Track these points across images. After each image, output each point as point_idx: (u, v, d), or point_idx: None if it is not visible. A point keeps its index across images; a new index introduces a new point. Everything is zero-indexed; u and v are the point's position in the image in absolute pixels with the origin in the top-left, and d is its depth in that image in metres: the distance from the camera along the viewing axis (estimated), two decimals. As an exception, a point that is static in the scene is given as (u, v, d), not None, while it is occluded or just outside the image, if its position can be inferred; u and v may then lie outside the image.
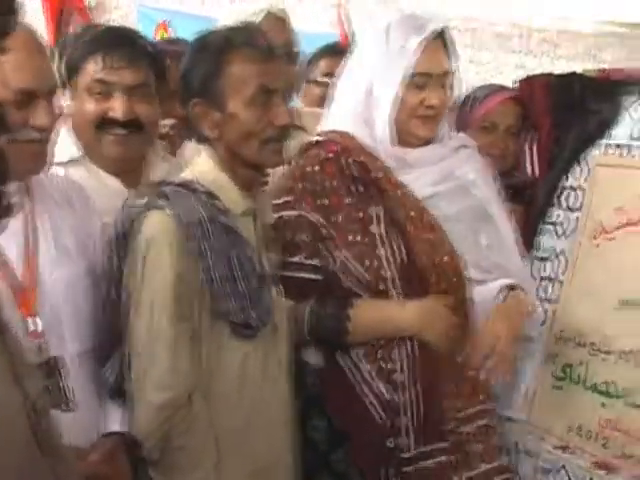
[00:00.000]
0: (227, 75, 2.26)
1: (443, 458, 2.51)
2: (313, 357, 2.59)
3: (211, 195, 2.27)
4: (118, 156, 2.64)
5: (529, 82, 3.14)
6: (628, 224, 2.75)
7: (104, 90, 2.59)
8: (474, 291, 2.60)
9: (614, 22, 8.39)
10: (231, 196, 2.31)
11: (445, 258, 2.56)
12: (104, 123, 2.60)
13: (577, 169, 2.98)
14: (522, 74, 3.23)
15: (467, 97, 3.10)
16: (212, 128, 2.29)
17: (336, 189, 2.56)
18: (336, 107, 2.71)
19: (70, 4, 6.53)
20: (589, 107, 2.95)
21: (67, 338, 2.20)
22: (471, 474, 2.56)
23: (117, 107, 2.58)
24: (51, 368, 2.08)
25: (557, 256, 2.95)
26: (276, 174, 2.70)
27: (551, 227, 3.01)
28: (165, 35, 7.12)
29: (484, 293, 2.61)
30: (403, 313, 2.52)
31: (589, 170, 2.95)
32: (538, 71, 3.23)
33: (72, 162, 2.64)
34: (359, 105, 2.61)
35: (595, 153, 2.94)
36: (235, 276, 2.23)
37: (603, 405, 2.66)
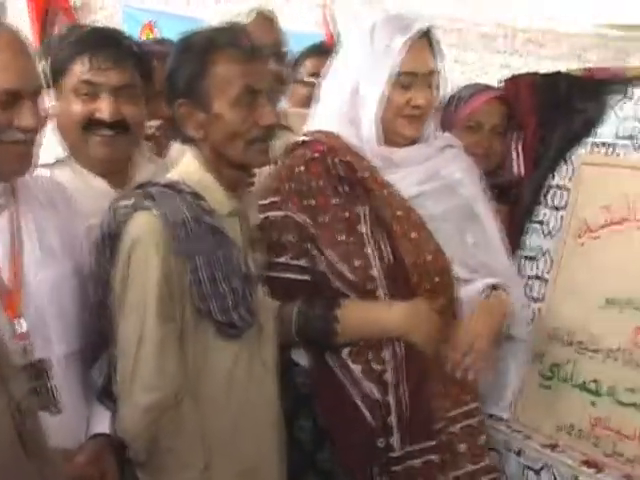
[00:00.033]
0: (212, 75, 2.26)
1: (431, 457, 2.51)
2: (302, 357, 2.59)
3: (197, 196, 2.26)
4: (104, 157, 2.63)
5: (514, 81, 3.14)
6: (613, 223, 2.76)
7: (91, 91, 2.58)
8: (461, 290, 2.61)
9: (599, 23, 8.44)
10: (216, 197, 2.31)
11: (428, 257, 2.56)
12: (91, 124, 2.60)
13: (563, 168, 2.98)
14: (507, 74, 3.22)
15: (452, 97, 3.10)
16: (197, 129, 2.29)
17: (322, 189, 2.56)
18: (322, 107, 2.71)
19: (55, 4, 6.51)
20: (575, 106, 2.95)
21: (53, 340, 2.19)
22: (458, 473, 2.57)
23: (104, 108, 2.58)
24: (37, 370, 2.07)
25: (544, 255, 2.96)
26: (262, 174, 2.70)
27: (538, 226, 3.01)
28: (151, 36, 7.10)
29: (470, 292, 2.63)
30: (390, 315, 2.52)
31: (574, 169, 2.95)
32: (523, 71, 3.22)
33: (57, 163, 2.64)
34: (345, 105, 2.61)
35: (581, 152, 2.95)
36: (218, 277, 2.23)
37: (593, 404, 2.66)
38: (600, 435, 2.62)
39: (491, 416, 2.83)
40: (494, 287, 2.65)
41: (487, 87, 3.19)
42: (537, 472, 2.70)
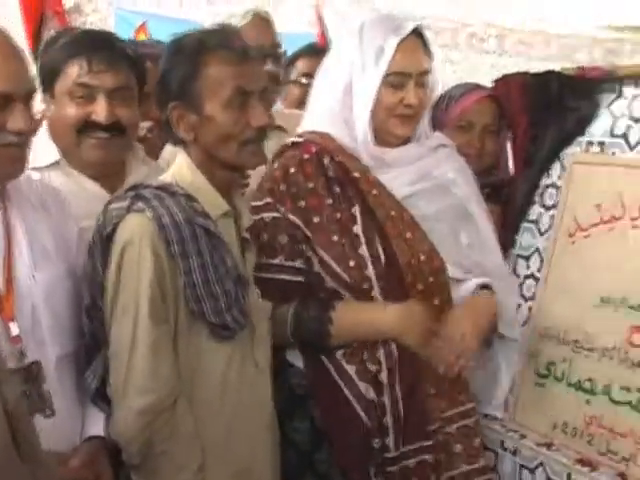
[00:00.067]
0: (204, 77, 2.25)
1: (425, 457, 2.52)
2: (297, 358, 2.59)
3: (190, 197, 2.26)
4: (98, 160, 2.62)
5: (505, 81, 3.14)
6: (604, 221, 2.76)
7: (86, 94, 2.57)
8: (454, 290, 2.61)
9: (589, 24, 8.46)
10: (209, 198, 2.30)
11: (422, 257, 2.56)
12: (86, 127, 2.59)
13: (557, 167, 2.99)
14: (497, 74, 3.22)
15: (442, 96, 3.09)
16: (189, 131, 2.29)
17: (316, 190, 2.56)
18: (314, 107, 2.72)
19: (49, 8, 6.50)
20: (567, 105, 2.95)
21: (47, 342, 2.19)
22: (453, 474, 2.57)
23: (99, 111, 2.57)
24: (30, 373, 2.07)
25: (539, 254, 2.96)
26: (255, 176, 2.70)
27: (532, 225, 3.01)
28: (145, 38, 7.09)
29: (463, 292, 2.63)
30: (384, 316, 2.52)
31: (565, 167, 2.95)
32: (514, 71, 3.22)
33: (50, 166, 2.63)
34: (337, 105, 2.61)
35: (573, 151, 2.95)
36: (211, 278, 2.22)
37: (588, 402, 2.67)
38: (595, 433, 2.63)
39: (486, 416, 2.84)
40: (484, 286, 2.66)
41: (478, 86, 3.17)
42: (532, 471, 2.70)
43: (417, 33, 2.59)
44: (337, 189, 2.57)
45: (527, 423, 2.82)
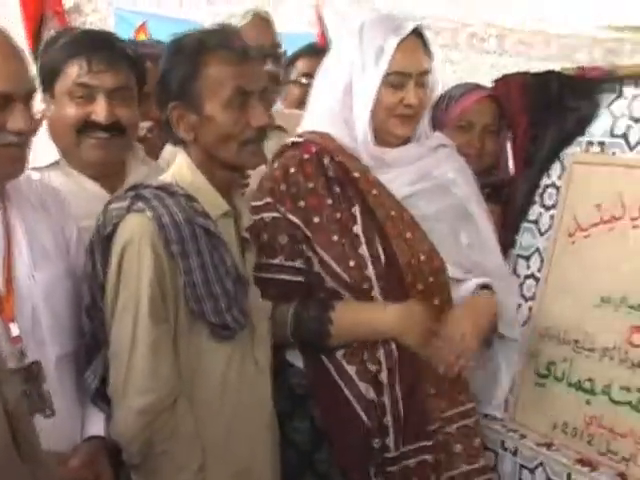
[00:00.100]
0: (203, 77, 2.25)
1: (425, 457, 2.52)
2: (297, 358, 2.59)
3: (190, 197, 2.26)
4: (98, 160, 2.62)
5: (505, 81, 3.13)
6: (604, 222, 2.76)
7: (86, 94, 2.57)
8: (454, 291, 2.61)
9: (589, 24, 8.47)
10: (209, 198, 2.30)
11: (422, 257, 2.56)
12: (86, 127, 2.59)
13: (557, 167, 2.99)
14: (497, 74, 3.22)
15: (442, 96, 3.08)
16: (189, 131, 2.29)
17: (316, 190, 2.56)
18: (314, 107, 2.72)
19: (49, 8, 6.50)
20: (567, 104, 2.95)
21: (47, 342, 2.19)
22: (453, 474, 2.57)
23: (100, 111, 2.57)
24: (30, 373, 2.07)
25: (539, 254, 2.96)
26: (256, 176, 2.70)
27: (532, 225, 3.01)
28: (145, 38, 7.09)
29: (463, 292, 2.63)
30: (383, 316, 2.52)
31: (565, 167, 2.95)
32: (514, 71, 3.21)
33: (50, 166, 2.63)
34: (337, 104, 2.61)
35: (573, 150, 2.95)
36: (211, 278, 2.22)
37: (588, 402, 2.67)
38: (595, 434, 2.63)
39: (486, 415, 2.83)
40: (484, 286, 2.65)
41: (478, 86, 3.17)
42: (532, 471, 2.70)
43: (417, 33, 2.58)
44: (337, 189, 2.57)
45: (527, 423, 2.82)
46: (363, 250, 2.52)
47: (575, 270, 2.81)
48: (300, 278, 2.55)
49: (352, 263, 2.50)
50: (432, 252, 2.59)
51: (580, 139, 2.94)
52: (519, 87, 3.07)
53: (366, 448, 2.49)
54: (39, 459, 1.50)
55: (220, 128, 2.26)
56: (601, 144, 2.87)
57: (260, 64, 2.50)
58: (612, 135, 2.84)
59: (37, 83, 2.39)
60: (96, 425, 2.27)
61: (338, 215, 2.54)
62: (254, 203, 2.59)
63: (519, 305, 2.90)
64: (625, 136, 2.79)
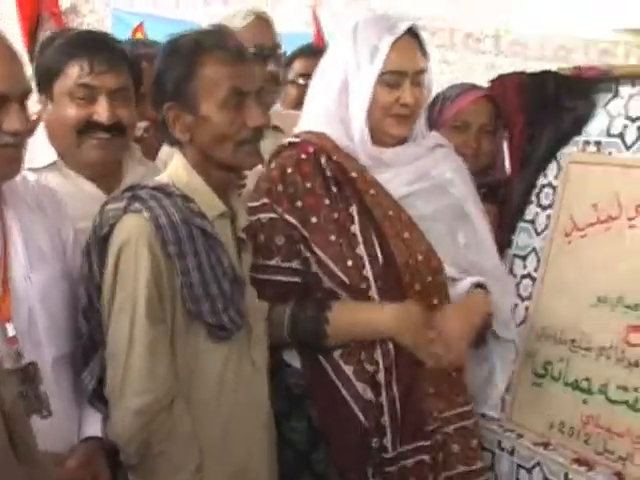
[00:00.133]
0: (199, 78, 2.25)
1: (423, 457, 2.52)
2: (295, 359, 2.59)
3: (186, 198, 2.26)
4: (98, 160, 2.62)
5: (502, 81, 3.13)
6: (600, 221, 2.77)
7: (87, 94, 2.56)
8: (450, 290, 2.61)
9: (584, 26, 8.49)
10: (206, 199, 2.30)
11: (419, 257, 2.56)
12: (87, 127, 2.58)
13: (554, 167, 2.99)
14: (494, 74, 3.22)
15: (438, 96, 3.08)
16: (185, 131, 2.29)
17: (313, 190, 2.56)
18: (311, 107, 2.71)
19: (45, 9, 6.49)
20: (564, 104, 2.95)
21: (44, 343, 2.19)
22: (450, 474, 2.57)
23: (101, 111, 2.56)
24: (27, 374, 2.07)
25: (536, 254, 2.96)
26: (252, 176, 2.70)
27: (529, 225, 3.02)
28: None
29: (459, 291, 2.63)
30: (381, 316, 2.52)
31: (562, 167, 2.95)
32: (510, 71, 3.21)
33: (47, 167, 2.62)
34: (333, 104, 2.61)
35: (570, 150, 2.95)
36: (208, 279, 2.23)
37: (585, 402, 2.67)
38: (592, 433, 2.63)
39: (483, 415, 2.83)
40: (479, 285, 2.65)
41: (473, 86, 3.17)
42: (529, 470, 2.71)
43: (412, 33, 2.58)
44: (334, 189, 2.56)
45: (524, 423, 2.82)
46: (361, 250, 2.52)
47: (572, 270, 2.81)
48: (297, 279, 2.55)
49: (350, 263, 2.50)
50: (430, 252, 2.59)
51: (577, 139, 2.94)
52: (515, 87, 3.07)
53: (364, 448, 2.49)
54: (36, 460, 1.50)
55: (216, 128, 2.26)
56: (597, 144, 2.87)
57: (256, 64, 2.50)
58: (608, 135, 2.84)
59: (33, 84, 2.39)
60: (93, 426, 2.27)
61: (335, 215, 2.54)
62: (251, 204, 2.58)
63: (515, 305, 2.90)
64: (621, 136, 2.80)
